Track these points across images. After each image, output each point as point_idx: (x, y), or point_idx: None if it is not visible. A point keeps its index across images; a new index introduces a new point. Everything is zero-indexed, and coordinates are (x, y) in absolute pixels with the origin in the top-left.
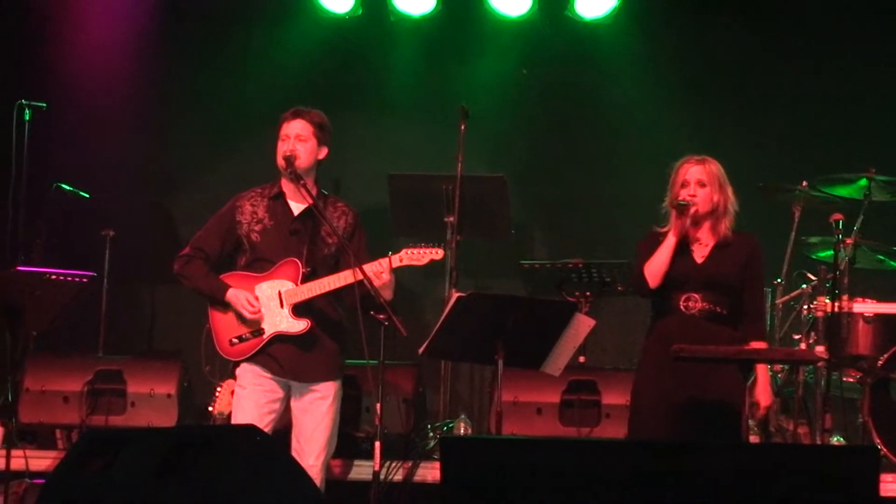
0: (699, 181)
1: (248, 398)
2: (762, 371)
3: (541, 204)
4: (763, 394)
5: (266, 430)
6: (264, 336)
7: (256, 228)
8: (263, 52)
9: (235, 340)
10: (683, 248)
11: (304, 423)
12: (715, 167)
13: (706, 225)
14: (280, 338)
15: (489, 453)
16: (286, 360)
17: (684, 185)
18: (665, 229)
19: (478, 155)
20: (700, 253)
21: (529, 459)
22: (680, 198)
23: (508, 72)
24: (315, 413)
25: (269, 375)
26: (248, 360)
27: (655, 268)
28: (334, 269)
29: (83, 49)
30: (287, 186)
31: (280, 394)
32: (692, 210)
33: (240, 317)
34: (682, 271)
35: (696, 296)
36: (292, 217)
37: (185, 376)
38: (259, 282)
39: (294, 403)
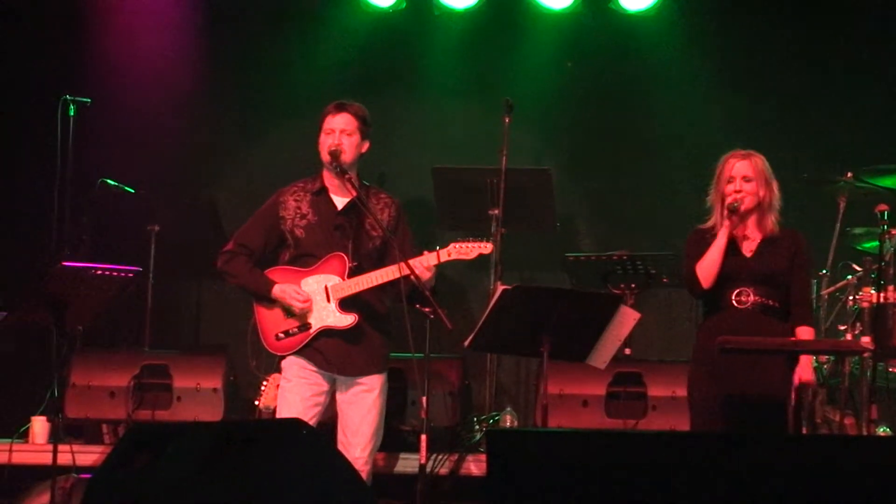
0: (745, 176)
1: (294, 391)
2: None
3: (586, 196)
4: (805, 370)
5: (311, 423)
6: (311, 330)
7: (300, 224)
8: (308, 47)
9: (282, 335)
10: (731, 243)
11: (351, 416)
12: (760, 161)
13: (752, 220)
14: (326, 332)
15: (535, 446)
16: (332, 354)
17: (730, 180)
18: (709, 226)
19: (522, 147)
20: (749, 248)
21: (576, 452)
22: (727, 195)
23: (553, 64)
24: (361, 406)
25: (314, 368)
26: (295, 353)
27: (707, 268)
28: (378, 262)
29: (128, 44)
30: (330, 181)
31: (325, 387)
32: (742, 209)
33: (286, 311)
34: (732, 266)
35: (748, 290)
36: (336, 212)
37: (230, 371)
38: (305, 276)
39: (340, 396)
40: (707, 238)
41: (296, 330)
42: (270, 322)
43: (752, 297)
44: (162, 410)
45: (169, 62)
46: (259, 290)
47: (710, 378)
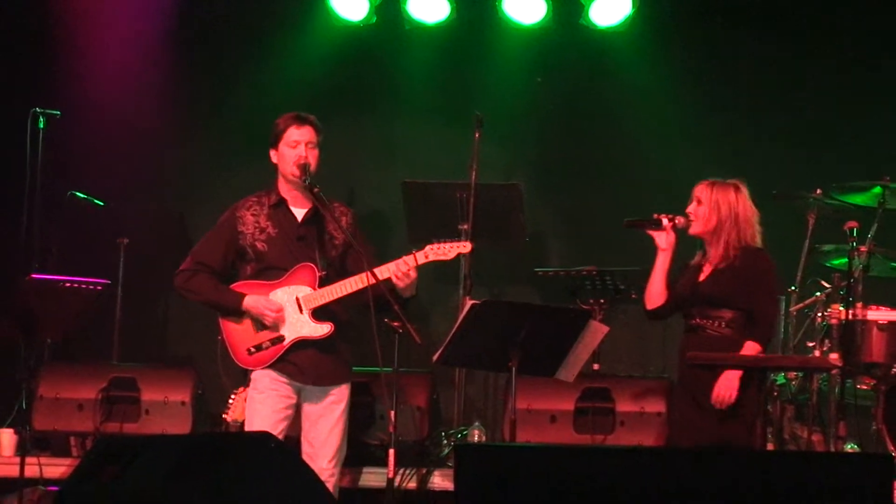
0: (697, 198)
1: (265, 403)
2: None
3: (555, 211)
4: (722, 387)
5: (280, 435)
6: (285, 342)
7: (261, 237)
8: (278, 60)
9: (253, 349)
10: (696, 269)
11: (320, 428)
12: (719, 189)
13: (714, 243)
14: (300, 343)
15: (503, 461)
16: (306, 364)
17: (690, 201)
18: (695, 260)
19: (492, 162)
20: (706, 273)
21: (543, 467)
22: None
23: (523, 79)
24: (330, 417)
25: (285, 380)
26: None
27: (649, 290)
28: (341, 270)
29: (98, 57)
30: (288, 192)
31: (294, 399)
32: (668, 224)
33: (256, 325)
34: (688, 291)
35: (700, 313)
36: (297, 223)
37: (199, 384)
38: (273, 289)
39: (309, 408)
40: (686, 268)
41: (268, 343)
42: (240, 337)
43: (705, 321)
44: (130, 423)
45: (139, 75)
46: (228, 304)
47: (681, 395)
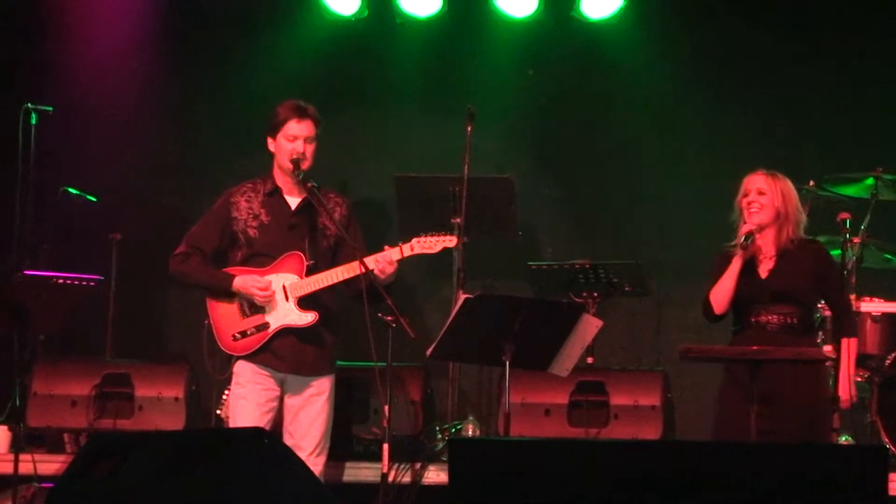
0: (759, 190)
1: (249, 398)
2: (843, 365)
3: (548, 204)
4: (842, 387)
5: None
6: (269, 330)
7: (254, 224)
8: (270, 54)
9: (238, 335)
10: (749, 263)
11: (301, 420)
12: (780, 178)
13: (769, 235)
14: (283, 331)
15: (497, 455)
16: (287, 353)
17: (745, 194)
18: (732, 246)
19: (485, 156)
20: (765, 267)
21: (538, 461)
22: (744, 209)
23: (515, 73)
24: (311, 409)
25: (267, 373)
26: (249, 357)
27: (720, 295)
28: (333, 261)
29: (90, 52)
30: (282, 181)
31: (277, 391)
32: (756, 223)
33: (243, 312)
34: (749, 288)
35: (767, 310)
36: (290, 212)
37: (193, 380)
38: (261, 276)
39: (289, 400)
40: (729, 261)
41: (253, 330)
42: (226, 322)
43: (770, 317)
44: (124, 419)
45: (131, 70)
46: (219, 285)
47: (741, 394)
